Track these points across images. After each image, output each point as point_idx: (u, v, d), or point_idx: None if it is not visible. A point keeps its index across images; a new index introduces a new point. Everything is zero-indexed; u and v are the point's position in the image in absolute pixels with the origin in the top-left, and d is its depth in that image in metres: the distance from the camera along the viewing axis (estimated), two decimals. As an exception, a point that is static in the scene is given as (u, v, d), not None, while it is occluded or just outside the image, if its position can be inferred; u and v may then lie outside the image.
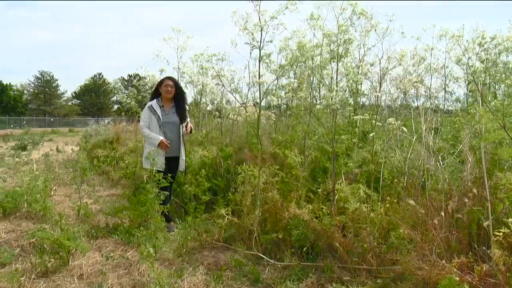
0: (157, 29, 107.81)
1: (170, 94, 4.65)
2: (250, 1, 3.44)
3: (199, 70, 6.29)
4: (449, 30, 6.26)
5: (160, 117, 4.57)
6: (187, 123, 4.74)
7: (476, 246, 2.84)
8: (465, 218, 2.94)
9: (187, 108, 4.93)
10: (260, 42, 3.65)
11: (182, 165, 4.74)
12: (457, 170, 3.54)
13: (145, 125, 4.60)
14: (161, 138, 4.46)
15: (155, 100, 4.67)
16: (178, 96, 4.71)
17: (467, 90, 6.76)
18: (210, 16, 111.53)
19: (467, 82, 6.66)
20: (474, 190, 2.94)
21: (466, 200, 2.92)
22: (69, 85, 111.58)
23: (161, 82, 4.71)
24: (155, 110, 4.59)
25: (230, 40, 4.18)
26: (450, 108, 7.06)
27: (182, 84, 6.33)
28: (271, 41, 3.66)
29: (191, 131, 4.82)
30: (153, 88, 4.86)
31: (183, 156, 4.74)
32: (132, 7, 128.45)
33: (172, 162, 4.61)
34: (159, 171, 4.21)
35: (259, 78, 4.01)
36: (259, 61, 3.88)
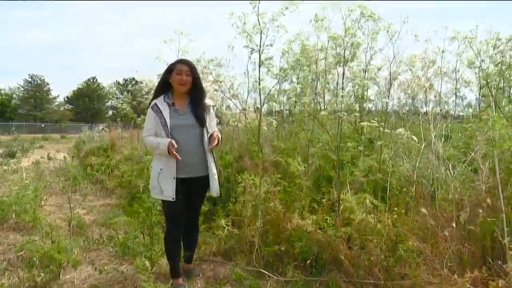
0: (156, 29, 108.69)
1: (185, 85, 3.27)
2: (249, 0, 3.47)
3: (200, 75, 6.31)
4: (461, 32, 6.28)
5: (167, 119, 3.20)
6: (214, 132, 3.32)
7: (490, 260, 2.83)
8: (478, 230, 2.93)
9: (213, 109, 3.55)
10: (260, 46, 3.68)
11: (215, 188, 3.35)
12: (469, 179, 3.54)
13: (152, 133, 3.29)
14: (168, 139, 3.12)
15: (162, 96, 3.32)
16: (196, 88, 3.32)
17: (479, 94, 6.76)
18: (210, 16, 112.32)
19: (479, 86, 6.67)
20: (488, 200, 2.94)
21: (479, 211, 2.92)
22: (62, 88, 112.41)
23: (171, 69, 3.31)
24: (160, 111, 3.23)
25: (228, 43, 4.20)
26: (461, 113, 7.06)
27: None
28: (271, 45, 3.68)
29: (218, 143, 3.32)
30: (159, 80, 3.47)
31: (214, 174, 3.35)
32: (131, 7, 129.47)
33: (194, 186, 3.34)
34: (170, 202, 3.24)
35: (259, 84, 4.03)
36: (259, 66, 3.91)
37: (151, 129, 3.28)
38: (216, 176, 3.36)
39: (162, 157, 3.22)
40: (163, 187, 3.21)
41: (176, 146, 3.09)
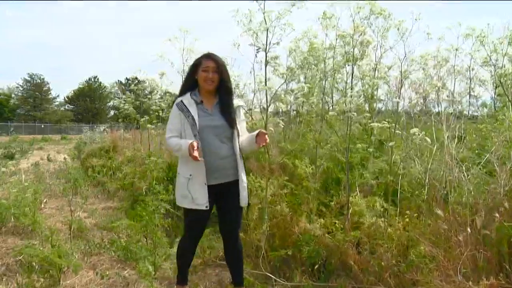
0: (155, 29, 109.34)
1: (212, 83, 3.05)
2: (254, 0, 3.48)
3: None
4: (476, 29, 6.25)
5: (196, 119, 2.99)
6: (260, 131, 3.03)
7: (507, 266, 2.81)
8: (494, 235, 2.91)
9: (244, 109, 3.32)
10: (266, 44, 3.69)
11: (244, 196, 3.11)
12: (484, 182, 3.53)
13: (176, 134, 3.06)
14: (189, 141, 2.87)
15: (188, 93, 3.10)
16: (224, 86, 3.10)
17: (494, 94, 6.73)
18: (212, 17, 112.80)
19: (495, 85, 6.63)
20: (505, 204, 2.92)
21: (495, 215, 2.91)
22: (56, 88, 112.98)
23: (197, 64, 3.10)
24: (187, 109, 3.02)
25: (233, 41, 4.19)
26: (476, 113, 7.03)
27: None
28: (277, 43, 3.69)
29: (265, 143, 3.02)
30: (186, 75, 3.27)
31: (243, 182, 3.11)
32: (129, 7, 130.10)
33: (225, 193, 3.09)
34: (200, 211, 3.00)
35: (265, 83, 4.04)
36: (265, 65, 3.92)
37: (175, 129, 3.06)
38: (245, 184, 3.13)
39: (190, 161, 2.93)
40: (195, 195, 2.97)
41: (196, 147, 2.82)
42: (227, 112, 3.07)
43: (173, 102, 3.17)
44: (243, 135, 3.15)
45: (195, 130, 2.95)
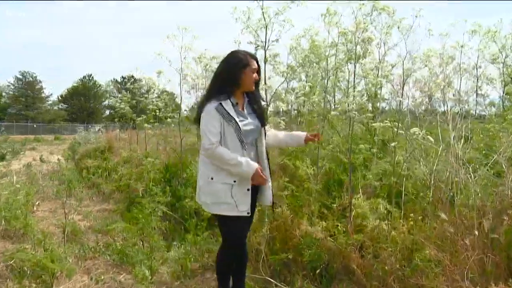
0: (155, 29, 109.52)
1: (254, 84, 3.04)
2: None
3: (203, 73, 6.28)
4: (482, 26, 6.26)
5: (239, 124, 2.89)
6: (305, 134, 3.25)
7: (517, 271, 2.81)
8: (503, 239, 2.91)
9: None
10: (265, 42, 3.70)
11: (268, 196, 3.09)
12: (491, 184, 3.53)
13: (219, 138, 2.87)
14: (256, 165, 2.86)
15: (225, 95, 2.93)
16: (257, 86, 3.11)
17: (503, 92, 6.73)
18: (212, 17, 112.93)
19: (503, 83, 6.63)
20: (514, 207, 2.92)
21: (504, 218, 2.91)
22: (55, 88, 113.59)
23: (246, 64, 2.94)
24: (228, 114, 2.87)
25: (233, 39, 4.19)
26: (483, 113, 7.03)
27: (184, 89, 6.21)
28: (277, 40, 3.69)
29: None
30: (229, 74, 2.96)
31: (269, 182, 3.09)
32: (128, 7, 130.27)
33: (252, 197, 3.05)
34: (242, 218, 2.95)
35: (265, 82, 4.04)
36: (265, 63, 3.92)
37: (218, 133, 2.87)
38: (270, 184, 3.10)
39: None
40: (238, 201, 2.90)
41: (264, 171, 2.92)
42: (260, 111, 3.08)
43: (204, 100, 2.99)
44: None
45: (241, 135, 2.88)
